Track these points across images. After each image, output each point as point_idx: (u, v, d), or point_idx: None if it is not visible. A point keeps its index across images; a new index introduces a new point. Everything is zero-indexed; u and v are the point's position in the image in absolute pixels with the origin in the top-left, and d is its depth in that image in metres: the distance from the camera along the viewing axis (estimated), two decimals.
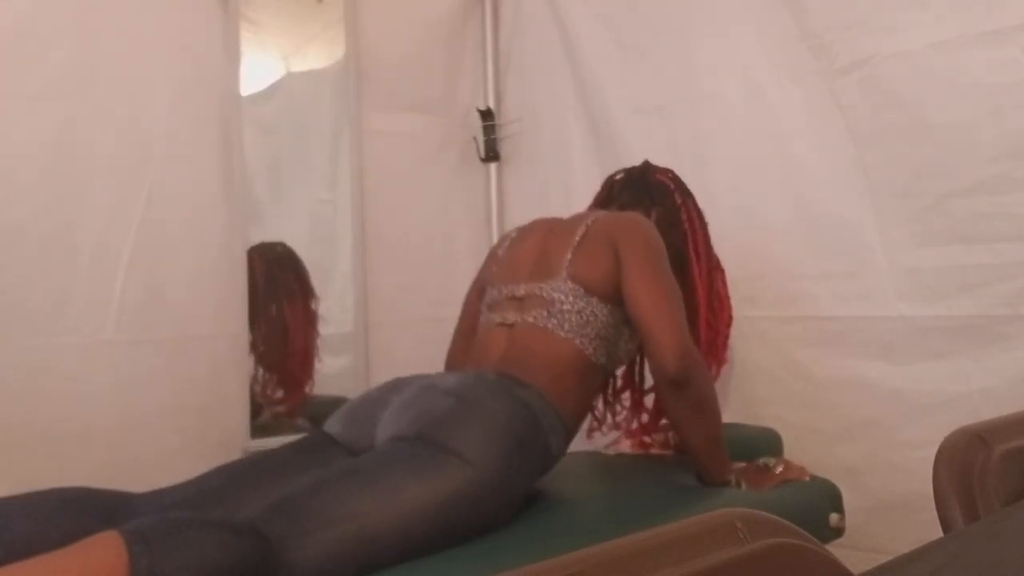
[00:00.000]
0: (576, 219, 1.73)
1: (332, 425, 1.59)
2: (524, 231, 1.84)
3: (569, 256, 1.62)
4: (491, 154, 2.61)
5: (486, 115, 2.60)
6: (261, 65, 2.25)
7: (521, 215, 2.63)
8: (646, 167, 1.88)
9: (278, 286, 2.27)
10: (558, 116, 2.51)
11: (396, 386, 1.57)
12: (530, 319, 1.60)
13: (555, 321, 1.57)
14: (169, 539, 1.04)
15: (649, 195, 1.81)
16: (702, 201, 1.83)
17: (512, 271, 1.75)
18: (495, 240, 2.63)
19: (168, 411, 1.95)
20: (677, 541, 0.54)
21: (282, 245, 2.29)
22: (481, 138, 2.60)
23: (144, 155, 1.95)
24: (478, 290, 1.86)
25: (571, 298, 1.58)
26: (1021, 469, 0.80)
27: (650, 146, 2.21)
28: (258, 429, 2.10)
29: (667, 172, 1.85)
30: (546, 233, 1.76)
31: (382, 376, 2.24)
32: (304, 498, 1.22)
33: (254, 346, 2.15)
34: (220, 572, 1.04)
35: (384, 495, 1.24)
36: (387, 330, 2.38)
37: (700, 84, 2.16)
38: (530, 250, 1.75)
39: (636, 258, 1.56)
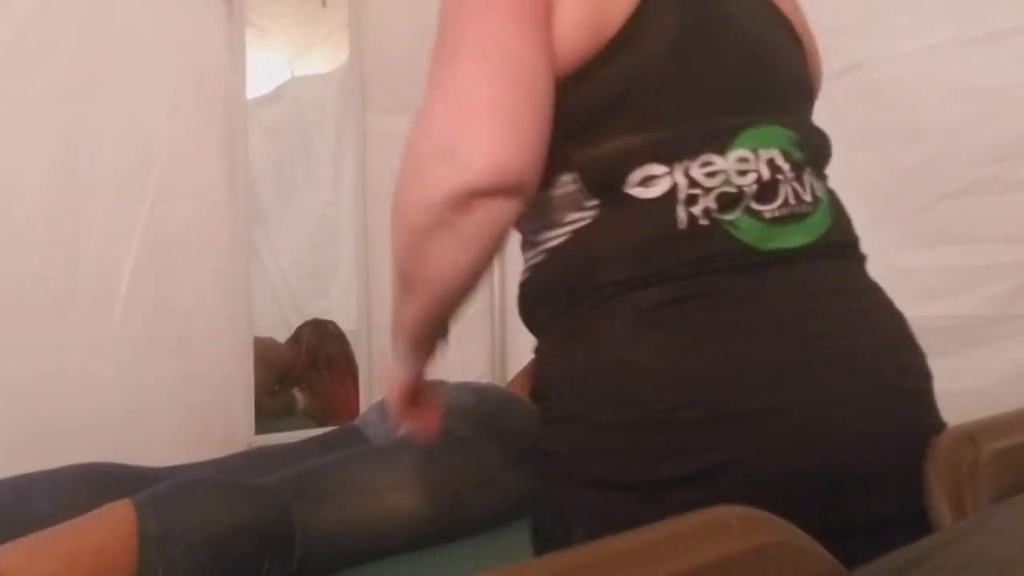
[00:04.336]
0: None
1: (369, 413, 1.65)
2: None
3: None
4: None
5: None
6: (266, 69, 2.27)
7: None
8: None
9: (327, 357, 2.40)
10: None
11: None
12: None
13: None
14: (179, 500, 1.05)
15: None
16: None
17: None
18: None
19: (172, 408, 1.97)
20: (673, 537, 0.55)
21: (333, 324, 2.42)
22: None
23: (149, 157, 1.96)
24: None
25: None
26: (1010, 468, 0.81)
27: None
28: (262, 425, 2.12)
29: None
30: None
31: (384, 375, 2.26)
32: (322, 469, 1.26)
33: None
34: (233, 529, 1.05)
35: (398, 474, 1.27)
36: (389, 330, 2.39)
37: None
38: None
39: None
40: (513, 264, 2.62)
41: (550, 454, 0.79)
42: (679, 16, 0.76)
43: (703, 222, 0.74)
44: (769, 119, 0.80)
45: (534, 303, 0.81)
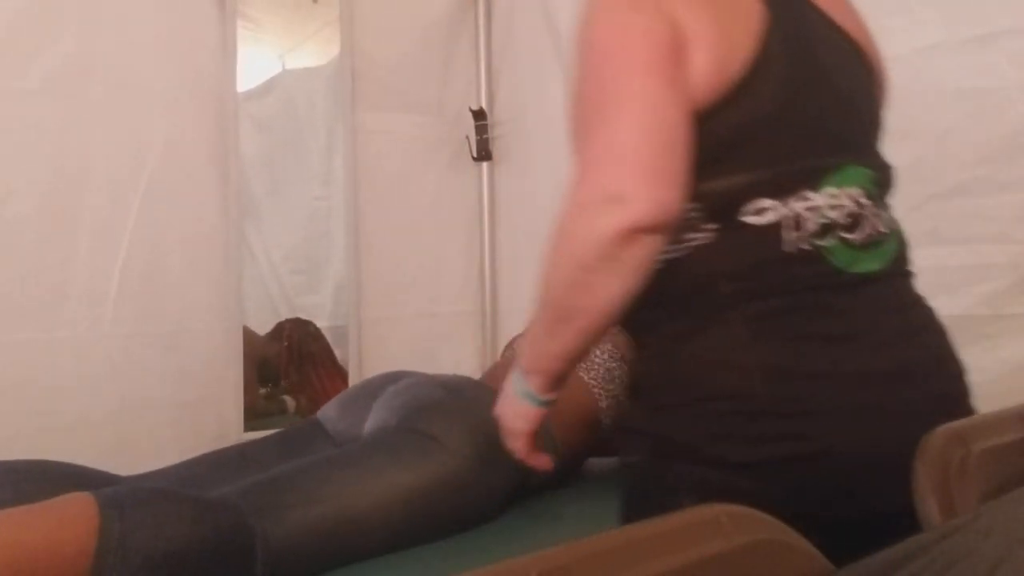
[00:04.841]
0: None
1: (328, 410, 1.59)
2: None
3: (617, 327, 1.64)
4: (483, 153, 2.62)
5: (478, 115, 2.61)
6: (257, 62, 2.26)
7: (513, 214, 2.65)
8: None
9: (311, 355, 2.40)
10: (550, 116, 2.51)
11: (394, 377, 1.58)
12: None
13: (583, 364, 1.55)
14: (142, 509, 1.01)
15: None
16: None
17: None
18: (487, 236, 2.65)
19: (163, 403, 1.97)
20: (664, 535, 0.55)
21: (312, 324, 2.43)
22: (473, 138, 2.60)
23: (140, 150, 1.95)
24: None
25: (605, 356, 1.58)
26: (999, 467, 0.81)
27: None
28: (252, 420, 2.12)
29: None
30: None
31: (374, 370, 2.26)
32: (285, 477, 1.21)
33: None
34: (191, 544, 1.02)
35: (365, 477, 1.23)
36: (380, 326, 2.40)
37: None
38: None
39: None
40: (504, 268, 2.63)
41: (658, 436, 0.93)
42: (786, 70, 0.90)
43: (805, 247, 0.89)
44: (853, 160, 0.95)
45: (643, 305, 0.89)
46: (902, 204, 1.73)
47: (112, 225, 1.91)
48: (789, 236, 0.89)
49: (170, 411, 1.97)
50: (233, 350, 2.11)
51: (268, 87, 2.35)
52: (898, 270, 0.97)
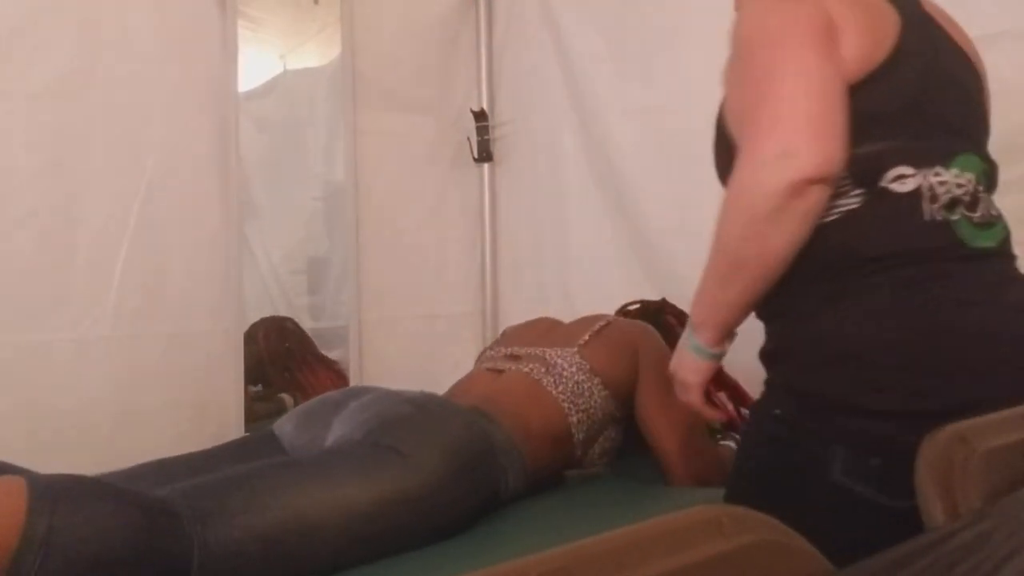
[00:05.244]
0: (591, 317, 1.74)
1: (284, 423, 1.54)
2: (531, 322, 1.87)
3: (586, 337, 1.63)
4: (484, 154, 2.63)
5: (479, 116, 2.61)
6: (258, 62, 2.27)
7: (513, 215, 2.65)
8: (662, 305, 1.89)
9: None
10: (550, 117, 2.52)
11: (357, 392, 1.53)
12: (525, 369, 1.58)
13: (550, 379, 1.55)
14: (76, 504, 0.97)
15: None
16: (692, 202, 1.84)
17: (515, 339, 1.76)
18: (487, 237, 2.66)
19: (163, 405, 1.97)
20: (663, 535, 0.55)
21: (290, 320, 2.43)
22: (474, 138, 2.61)
23: (141, 151, 1.96)
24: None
25: (574, 369, 1.57)
26: (1002, 468, 0.81)
27: (641, 147, 2.23)
28: (251, 422, 2.12)
29: (680, 316, 1.82)
30: (555, 323, 1.79)
31: (375, 371, 2.27)
32: (233, 480, 1.17)
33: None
34: (121, 551, 0.98)
35: (323, 489, 1.18)
36: (380, 326, 2.40)
37: (690, 86, 2.18)
38: (539, 328, 1.77)
39: (654, 372, 1.56)
40: (504, 269, 2.64)
41: (807, 393, 1.01)
42: (921, 64, 1.02)
43: (939, 217, 0.98)
44: (972, 150, 1.05)
45: (795, 269, 0.98)
46: None
47: (113, 226, 1.91)
48: (927, 206, 0.98)
49: (170, 412, 1.97)
50: (233, 351, 2.11)
51: (269, 87, 2.36)
52: (1006, 251, 1.06)
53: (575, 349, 1.61)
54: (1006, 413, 0.92)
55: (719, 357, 1.15)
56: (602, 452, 1.63)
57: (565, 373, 1.57)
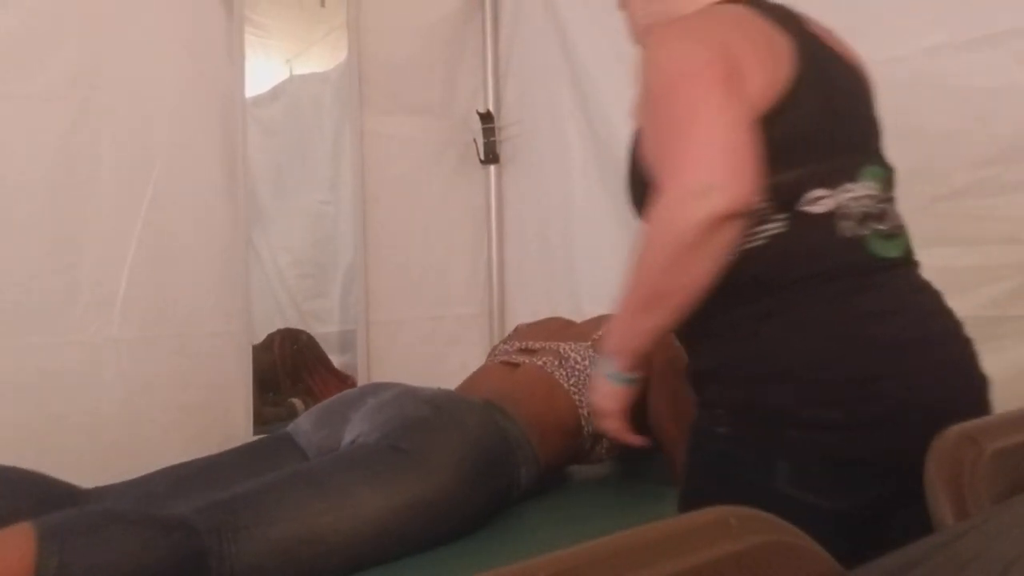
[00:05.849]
0: (605, 316, 1.74)
1: (301, 423, 1.55)
2: (543, 320, 1.89)
3: (600, 333, 1.62)
4: (490, 156, 2.63)
5: (486, 118, 2.61)
6: (265, 68, 2.27)
7: (520, 217, 2.65)
8: None
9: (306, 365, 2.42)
10: (557, 119, 2.52)
11: (375, 389, 1.55)
12: (539, 362, 1.59)
13: (563, 372, 1.56)
14: (86, 537, 0.99)
15: None
16: None
17: (529, 335, 1.76)
18: (494, 239, 2.66)
19: (172, 407, 1.97)
20: (672, 537, 0.55)
21: (304, 333, 2.45)
22: (481, 140, 2.61)
23: (148, 156, 1.96)
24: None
25: (587, 362, 1.58)
26: (1010, 468, 0.81)
27: None
28: (261, 426, 2.13)
29: None
30: (568, 323, 1.81)
31: (382, 373, 2.27)
32: (244, 496, 1.18)
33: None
34: (143, 569, 1.00)
35: (334, 498, 1.20)
36: (388, 329, 2.40)
37: None
38: (552, 326, 1.79)
39: (665, 373, 1.56)
40: (511, 271, 2.64)
41: (747, 408, 1.05)
42: (819, 88, 1.06)
43: (849, 234, 1.03)
44: (871, 160, 1.10)
45: (720, 291, 1.00)
46: (910, 205, 1.72)
47: (120, 229, 1.92)
48: (841, 224, 1.03)
49: (178, 414, 1.98)
50: (241, 354, 2.11)
51: (276, 92, 2.36)
52: (910, 259, 1.11)
53: (588, 343, 1.63)
54: (1015, 413, 0.92)
55: (635, 382, 1.17)
56: (610, 447, 1.65)
57: (578, 366, 1.58)
